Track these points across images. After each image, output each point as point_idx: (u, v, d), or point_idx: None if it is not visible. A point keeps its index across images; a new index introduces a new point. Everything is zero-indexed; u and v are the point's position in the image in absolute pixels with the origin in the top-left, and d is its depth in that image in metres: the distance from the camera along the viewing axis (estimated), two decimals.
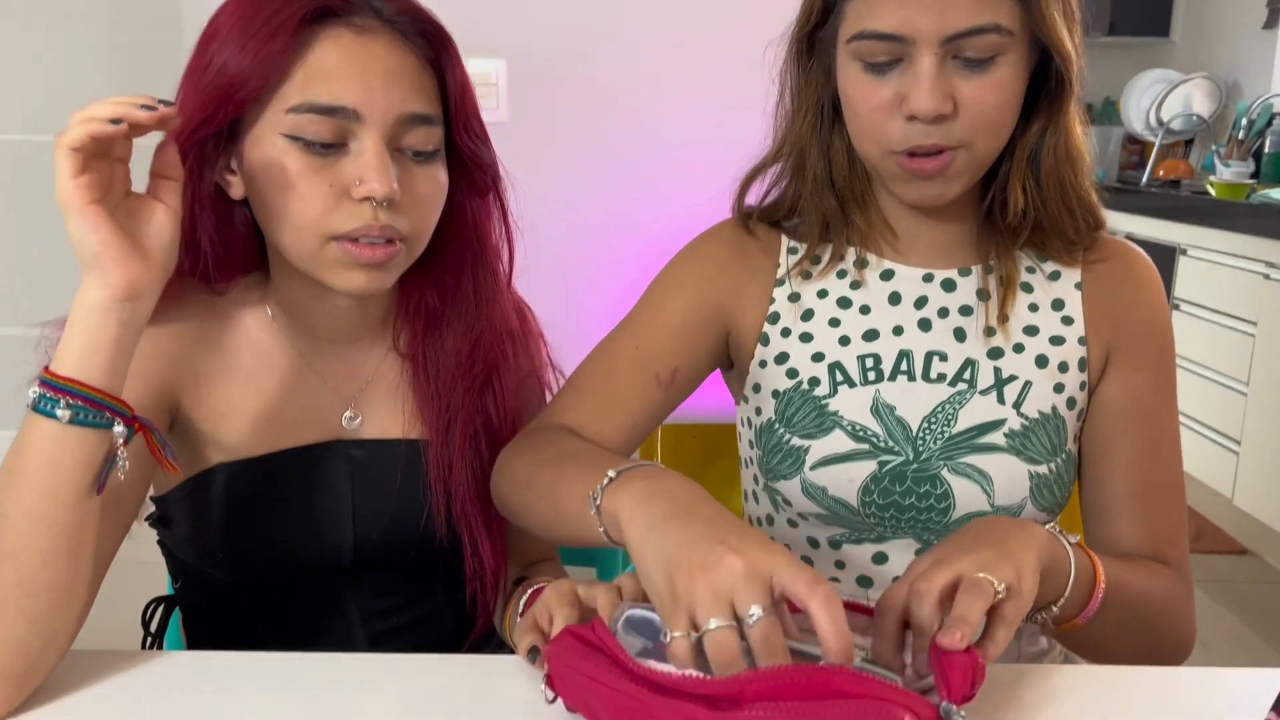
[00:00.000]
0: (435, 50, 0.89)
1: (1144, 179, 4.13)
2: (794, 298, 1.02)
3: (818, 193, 1.00)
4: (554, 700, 0.72)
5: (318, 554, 0.94)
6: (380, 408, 0.98)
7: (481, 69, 2.17)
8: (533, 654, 0.76)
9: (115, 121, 0.70)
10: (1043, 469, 0.96)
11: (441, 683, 0.79)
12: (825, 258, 1.02)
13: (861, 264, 1.01)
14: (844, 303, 1.01)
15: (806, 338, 1.00)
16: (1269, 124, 3.79)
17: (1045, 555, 0.77)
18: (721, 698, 0.60)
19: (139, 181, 0.78)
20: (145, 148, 0.78)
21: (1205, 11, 4.46)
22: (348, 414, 0.97)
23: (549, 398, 1.07)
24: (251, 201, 0.88)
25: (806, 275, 1.02)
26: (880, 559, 0.99)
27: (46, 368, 0.73)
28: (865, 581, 1.00)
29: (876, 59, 0.88)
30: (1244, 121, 3.76)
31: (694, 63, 2.18)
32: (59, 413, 0.71)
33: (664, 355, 1.00)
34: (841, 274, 1.02)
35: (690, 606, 0.63)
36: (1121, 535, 0.97)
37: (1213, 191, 3.54)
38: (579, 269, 2.25)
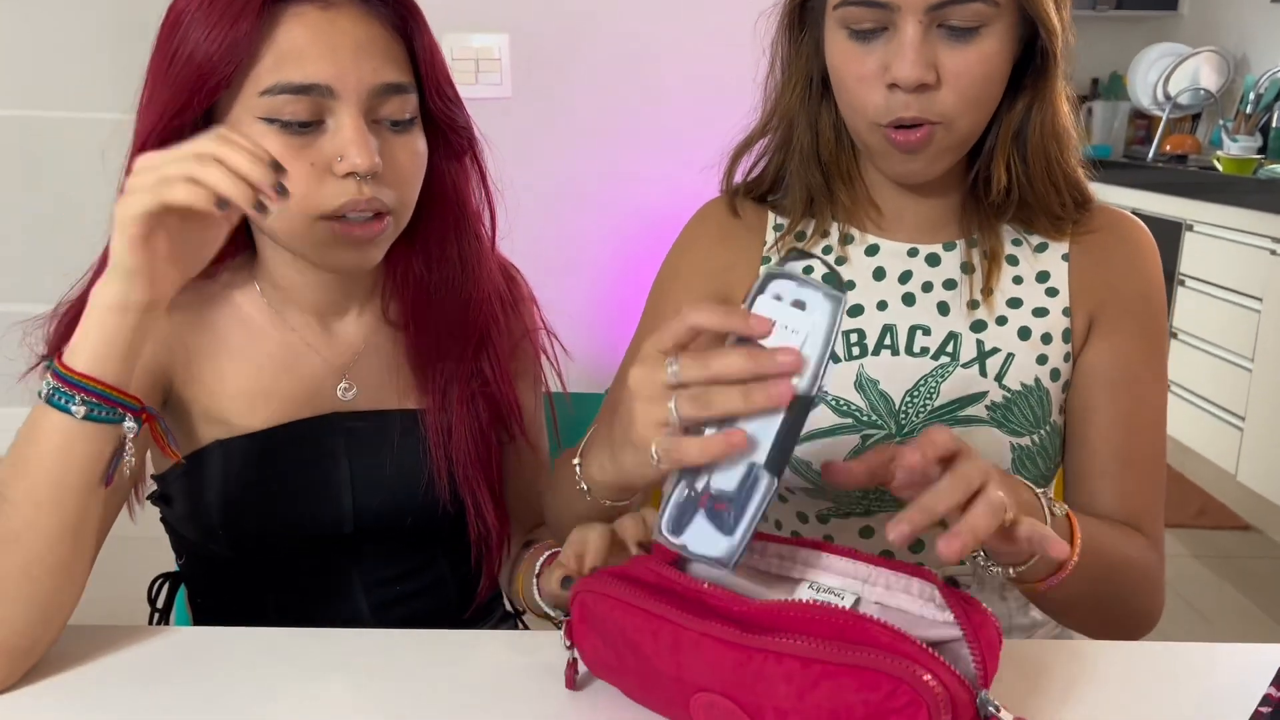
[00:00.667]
0: (401, 17, 0.88)
1: (1150, 154, 4.11)
2: None
3: (803, 166, 1.00)
4: (571, 651, 0.73)
5: (317, 527, 0.94)
6: (374, 379, 0.98)
7: (485, 44, 2.16)
8: (565, 583, 0.78)
9: (221, 204, 0.70)
10: (1025, 441, 0.96)
11: (451, 657, 0.79)
12: (809, 233, 1.02)
13: (846, 239, 1.01)
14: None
15: None
16: (1277, 98, 3.76)
17: (1025, 508, 0.76)
18: (757, 621, 0.62)
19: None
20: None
21: None
22: (342, 386, 0.97)
23: (544, 362, 1.08)
24: None
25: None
26: (867, 533, 0.99)
27: (59, 358, 0.73)
28: None
29: (862, 25, 0.87)
30: (1252, 96, 3.73)
31: (694, 37, 2.17)
32: (73, 409, 0.71)
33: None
34: (826, 250, 1.01)
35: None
36: (1097, 500, 0.97)
37: (1220, 166, 3.52)
38: (581, 240, 2.25)
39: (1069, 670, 0.80)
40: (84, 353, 0.72)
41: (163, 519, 1.00)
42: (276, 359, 0.95)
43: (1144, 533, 0.96)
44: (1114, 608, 0.92)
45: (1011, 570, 0.80)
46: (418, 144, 0.90)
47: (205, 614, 1.02)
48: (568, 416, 1.13)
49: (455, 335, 0.98)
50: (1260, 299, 3.03)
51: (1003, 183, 0.94)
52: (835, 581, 0.70)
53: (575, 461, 0.82)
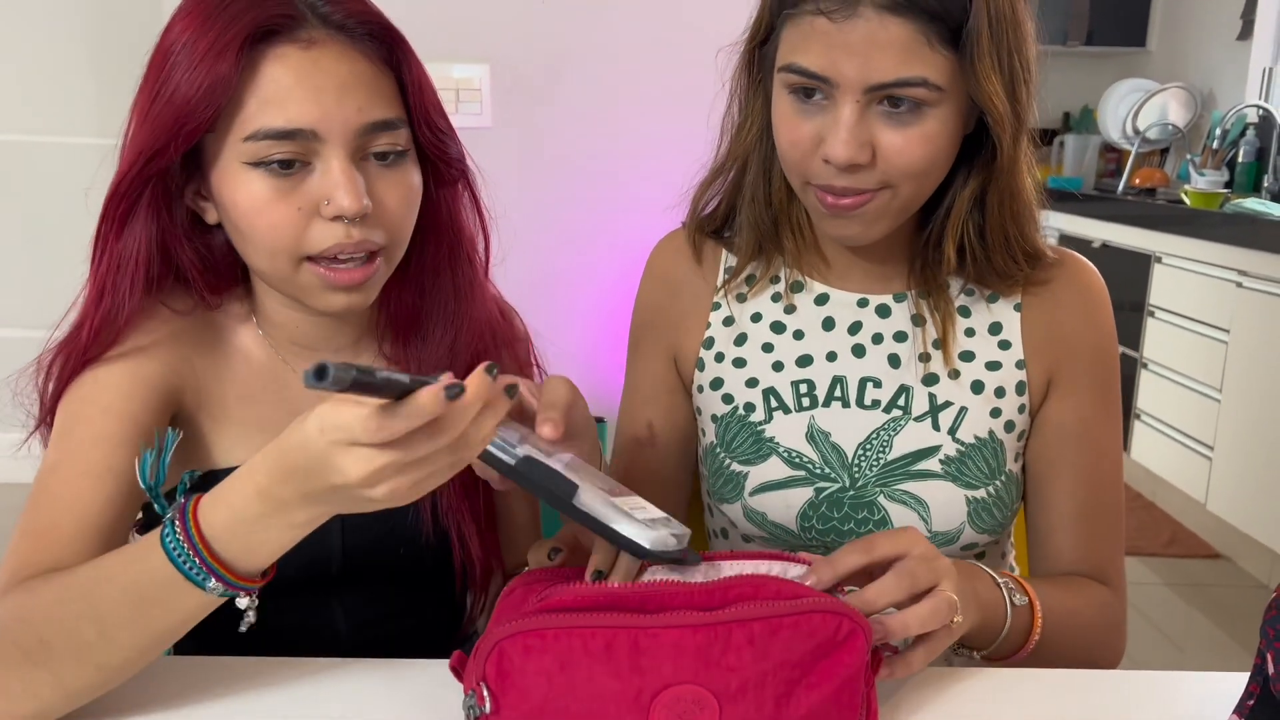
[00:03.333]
0: (388, 49, 0.86)
1: (1121, 186, 4.17)
2: (728, 321, 1.02)
3: (753, 210, 0.99)
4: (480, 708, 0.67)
5: (305, 565, 0.93)
6: None
7: (466, 74, 2.17)
8: (554, 554, 0.76)
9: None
10: (980, 493, 0.96)
11: (428, 687, 0.79)
12: (758, 275, 1.02)
13: (796, 288, 1.01)
14: (777, 327, 1.01)
15: (740, 363, 1.01)
16: (1243, 134, 3.84)
17: (984, 607, 0.82)
18: (712, 601, 0.68)
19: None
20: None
21: (1181, 22, 4.52)
22: None
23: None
24: (225, 226, 0.88)
25: (741, 298, 1.02)
26: None
27: (202, 535, 0.68)
28: None
29: (804, 92, 0.86)
30: (1218, 131, 3.80)
31: (672, 69, 2.20)
32: (209, 585, 0.69)
33: (639, 415, 1.05)
34: (776, 297, 1.01)
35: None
36: (1062, 554, 0.98)
37: (1188, 200, 3.58)
38: (559, 271, 2.26)
39: (1036, 695, 0.81)
40: (260, 562, 0.70)
41: None
42: (272, 392, 0.95)
43: (1107, 582, 0.97)
44: (1076, 661, 0.92)
45: (976, 654, 0.86)
46: (409, 178, 0.88)
47: (187, 645, 1.01)
48: None
49: (444, 363, 0.96)
50: (1228, 330, 3.08)
51: (952, 262, 0.94)
52: (733, 570, 0.73)
53: None
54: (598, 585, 0.69)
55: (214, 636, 0.98)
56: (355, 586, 0.97)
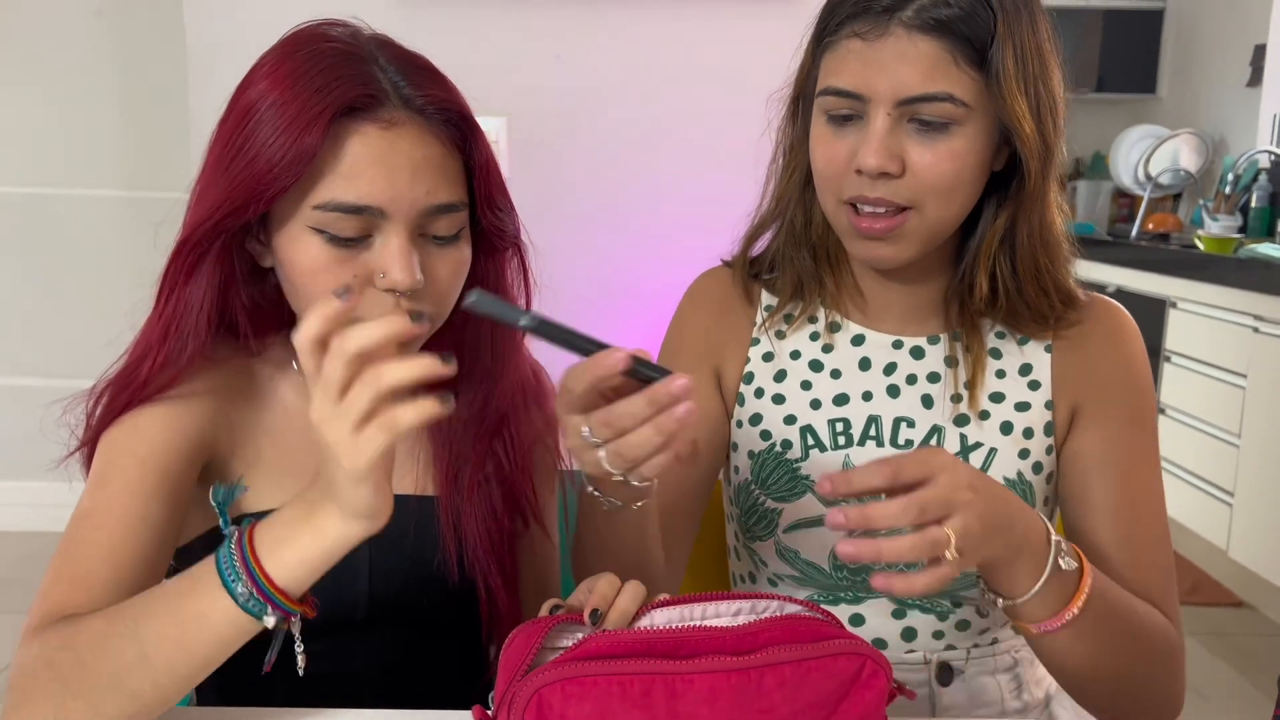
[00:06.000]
0: (461, 134, 0.89)
1: (1134, 232, 4.18)
2: (768, 357, 1.04)
3: (794, 249, 1.02)
4: None
5: (331, 608, 0.94)
6: (396, 463, 0.98)
7: (483, 127, 2.20)
8: (594, 616, 0.74)
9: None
10: None
11: None
12: (796, 314, 1.04)
13: (833, 328, 1.03)
14: (815, 366, 1.02)
15: (779, 399, 1.02)
16: (1255, 179, 3.85)
17: (1019, 548, 0.78)
18: (741, 645, 0.69)
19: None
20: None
21: (1191, 69, 4.55)
22: None
23: (562, 453, 1.07)
24: (279, 277, 0.91)
25: (780, 335, 1.04)
26: (857, 621, 1.00)
27: (261, 566, 0.72)
28: None
29: (839, 111, 0.91)
30: (1230, 176, 3.82)
31: (690, 120, 2.23)
32: (266, 619, 0.72)
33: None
34: (814, 336, 1.03)
35: None
36: None
37: (1201, 245, 3.58)
38: (577, 322, 2.27)
39: None
40: (287, 571, 0.72)
41: None
42: (306, 439, 0.95)
43: (1166, 618, 0.93)
44: (1133, 684, 0.88)
45: (999, 601, 0.80)
46: (462, 254, 0.90)
47: (209, 693, 1.02)
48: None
49: (474, 419, 0.98)
50: (1245, 375, 3.07)
51: (984, 291, 0.96)
52: (728, 617, 0.74)
53: (589, 489, 0.84)
54: (633, 631, 0.70)
55: (237, 682, 0.98)
56: (378, 632, 0.98)
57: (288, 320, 0.96)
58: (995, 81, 0.87)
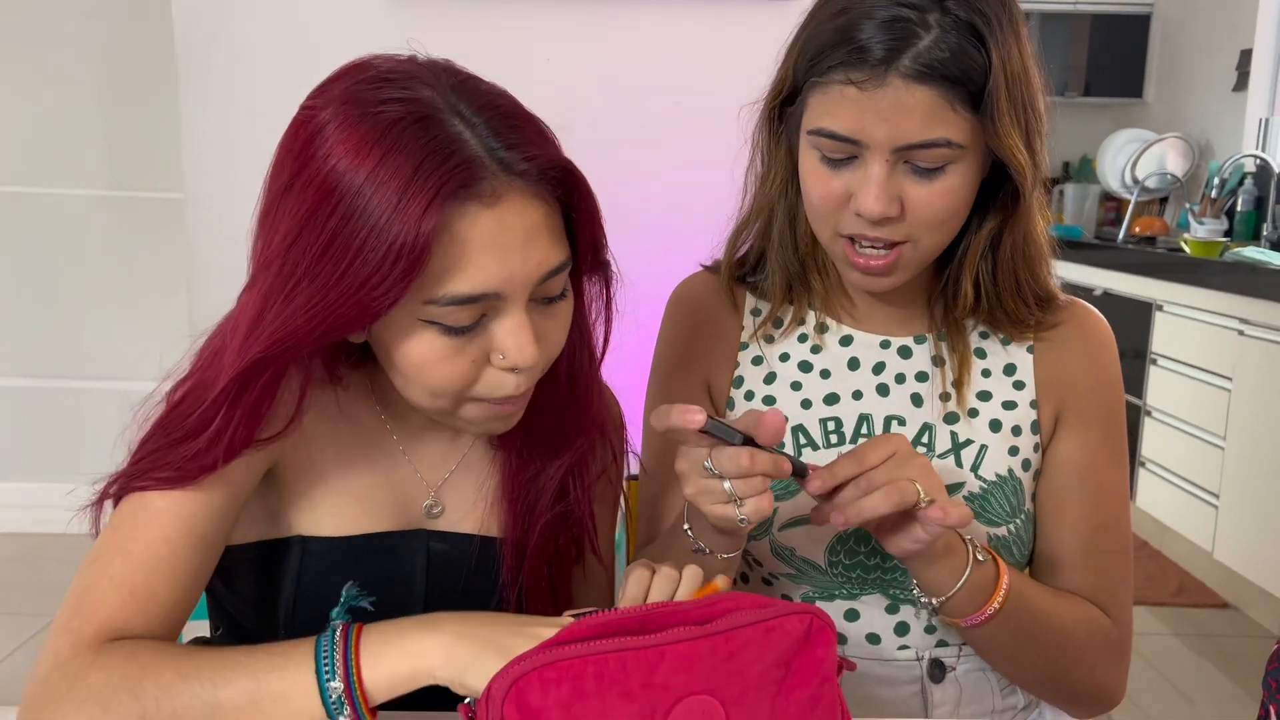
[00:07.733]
0: (564, 188, 0.81)
1: (1121, 235, 4.21)
2: (757, 361, 1.05)
3: (782, 254, 1.02)
4: None
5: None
6: (461, 498, 0.96)
7: None
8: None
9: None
10: (1001, 531, 0.97)
11: None
12: (787, 319, 1.05)
13: (821, 329, 1.04)
14: (805, 366, 1.03)
15: (770, 401, 1.03)
16: (1240, 183, 3.88)
17: (948, 553, 0.88)
18: (703, 615, 0.72)
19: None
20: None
21: (1177, 74, 4.58)
22: (428, 502, 0.95)
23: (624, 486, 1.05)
24: (379, 358, 0.85)
25: (769, 339, 1.05)
26: (852, 616, 1.01)
27: (360, 668, 0.71)
28: (839, 639, 1.01)
29: (834, 155, 0.90)
30: (1216, 180, 3.84)
31: (682, 122, 2.23)
32: (340, 718, 0.71)
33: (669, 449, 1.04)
34: (803, 338, 1.04)
35: None
36: (1067, 587, 0.99)
37: (1188, 248, 3.61)
38: None
39: None
40: (384, 695, 0.72)
41: (209, 590, 0.93)
42: (374, 463, 0.92)
43: (1112, 619, 0.98)
44: (1058, 671, 0.95)
45: (934, 601, 0.89)
46: (569, 307, 0.85)
47: None
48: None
49: (549, 456, 0.94)
50: (1230, 378, 3.09)
51: (969, 298, 0.98)
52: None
53: (685, 527, 0.89)
54: (596, 615, 0.70)
55: None
56: None
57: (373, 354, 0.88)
58: (990, 121, 0.87)
